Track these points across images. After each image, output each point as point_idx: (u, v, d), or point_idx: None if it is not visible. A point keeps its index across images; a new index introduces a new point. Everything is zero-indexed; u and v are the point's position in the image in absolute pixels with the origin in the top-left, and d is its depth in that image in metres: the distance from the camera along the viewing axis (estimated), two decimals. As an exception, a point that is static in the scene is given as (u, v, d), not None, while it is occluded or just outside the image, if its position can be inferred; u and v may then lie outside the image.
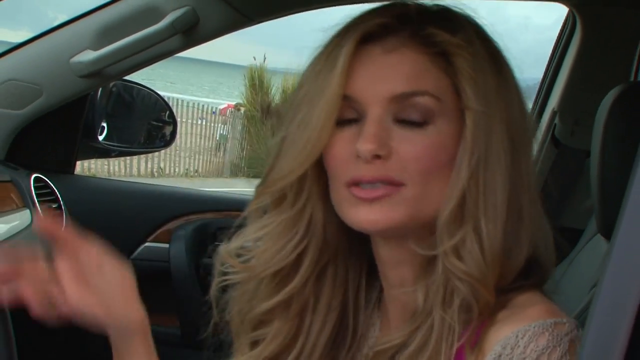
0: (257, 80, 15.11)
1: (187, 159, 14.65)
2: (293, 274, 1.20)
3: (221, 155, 15.49)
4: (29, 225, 2.31)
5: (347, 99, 1.09)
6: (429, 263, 1.11)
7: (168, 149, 13.22)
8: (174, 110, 2.76)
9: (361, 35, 1.10)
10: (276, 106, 14.19)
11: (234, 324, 1.25)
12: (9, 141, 2.51)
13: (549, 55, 2.82)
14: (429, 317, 1.09)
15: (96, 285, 1.23)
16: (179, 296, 2.62)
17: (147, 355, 1.26)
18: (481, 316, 1.06)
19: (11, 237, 2.19)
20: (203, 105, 16.05)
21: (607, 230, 1.62)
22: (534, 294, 1.08)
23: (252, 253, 1.21)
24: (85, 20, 2.40)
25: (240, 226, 1.23)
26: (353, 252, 1.23)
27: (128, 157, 12.42)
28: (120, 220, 2.66)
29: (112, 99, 2.73)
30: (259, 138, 14.62)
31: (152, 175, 13.37)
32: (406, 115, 1.09)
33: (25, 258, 1.25)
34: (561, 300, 1.93)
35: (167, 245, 2.66)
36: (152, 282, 2.58)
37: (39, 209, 2.37)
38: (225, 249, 1.22)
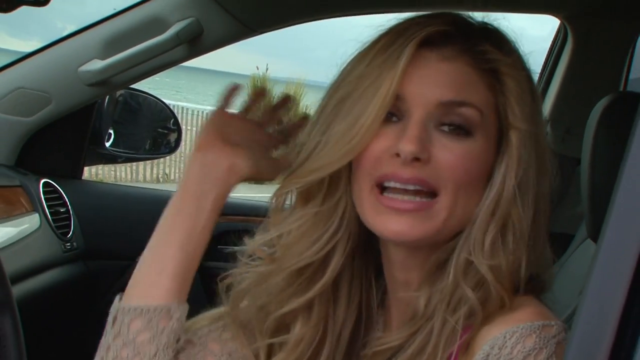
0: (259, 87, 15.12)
1: (192, 165, 14.63)
2: (322, 270, 1.17)
3: (224, 161, 15.48)
4: (38, 229, 2.32)
5: (395, 98, 1.09)
6: (437, 269, 1.11)
7: (173, 156, 13.21)
8: (179, 117, 2.77)
9: (422, 39, 1.09)
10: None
11: (251, 321, 1.23)
12: (19, 147, 2.52)
13: (541, 65, 2.82)
14: (429, 322, 1.08)
15: None
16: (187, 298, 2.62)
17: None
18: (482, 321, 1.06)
19: (21, 240, 2.20)
20: (207, 113, 16.01)
21: (597, 235, 1.61)
22: (526, 297, 1.08)
23: (276, 248, 1.19)
24: (93, 30, 2.41)
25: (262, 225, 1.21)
26: (368, 249, 1.21)
27: (134, 163, 12.41)
28: (126, 224, 2.66)
29: (118, 106, 2.73)
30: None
31: (158, 181, 13.35)
32: (449, 121, 1.08)
33: None
34: (552, 304, 1.93)
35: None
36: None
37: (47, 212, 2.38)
38: (253, 242, 1.20)
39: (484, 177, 1.09)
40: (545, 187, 1.12)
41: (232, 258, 1.25)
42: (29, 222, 2.30)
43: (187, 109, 15.38)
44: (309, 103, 1.33)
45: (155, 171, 13.48)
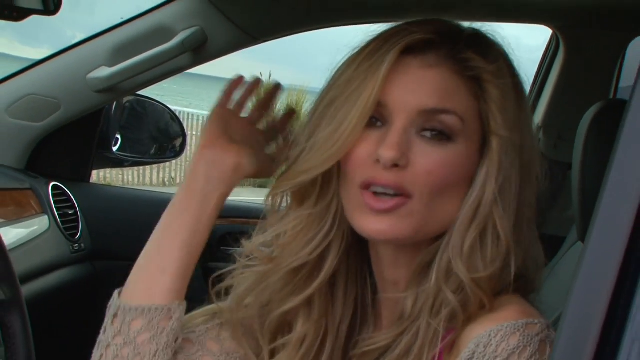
0: (262, 96, 15.11)
1: (197, 169, 14.62)
2: (319, 268, 1.17)
3: (228, 166, 15.48)
4: (48, 230, 2.32)
5: (377, 104, 1.08)
6: (423, 270, 1.11)
7: (179, 160, 13.21)
8: (185, 123, 2.78)
9: (404, 47, 1.09)
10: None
11: (254, 323, 1.23)
12: (29, 151, 2.52)
13: (534, 74, 2.82)
14: (415, 323, 1.08)
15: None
16: (187, 297, 2.62)
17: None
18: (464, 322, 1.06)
19: (31, 241, 2.21)
20: (210, 111, 15.99)
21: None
22: (512, 296, 1.08)
23: (273, 248, 1.19)
24: (101, 38, 2.42)
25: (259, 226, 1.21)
26: (360, 250, 1.21)
27: (141, 167, 12.40)
28: (133, 226, 2.66)
29: (125, 112, 2.74)
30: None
31: (164, 185, 13.34)
32: (431, 127, 1.08)
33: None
34: (542, 305, 1.94)
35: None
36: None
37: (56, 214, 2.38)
38: (250, 243, 1.20)
39: (465, 182, 1.09)
40: (530, 193, 1.12)
41: (234, 259, 1.25)
42: (39, 224, 2.31)
43: (192, 114, 15.39)
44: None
45: (161, 175, 13.47)
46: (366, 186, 1.09)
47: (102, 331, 1.19)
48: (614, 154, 0.81)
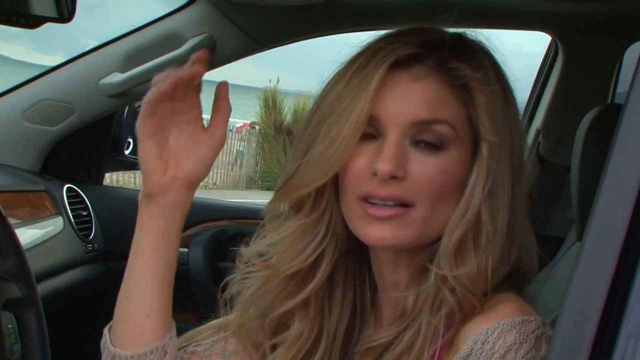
0: (270, 101, 15.11)
1: (207, 172, 14.64)
2: (312, 274, 1.18)
3: (237, 169, 15.48)
4: (62, 231, 2.33)
5: (370, 119, 1.08)
6: (422, 271, 1.11)
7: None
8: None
9: (392, 62, 1.09)
10: (288, 125, 14.17)
11: (253, 326, 1.23)
12: (44, 154, 2.53)
13: (534, 79, 2.82)
14: (417, 320, 1.09)
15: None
16: (197, 296, 2.62)
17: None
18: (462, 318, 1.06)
19: (46, 241, 2.21)
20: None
21: (585, 238, 1.63)
22: (508, 293, 1.08)
23: (271, 254, 1.19)
24: (114, 45, 2.43)
25: (257, 233, 1.21)
26: (359, 252, 1.22)
27: (153, 171, 12.44)
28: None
29: (137, 116, 2.74)
30: (272, 154, 14.61)
31: (174, 187, 13.36)
32: (423, 139, 1.08)
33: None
34: (543, 303, 1.94)
35: (186, 250, 2.66)
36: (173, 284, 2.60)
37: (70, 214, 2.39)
38: (248, 250, 1.20)
39: (460, 187, 1.09)
40: (523, 192, 1.12)
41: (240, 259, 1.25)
42: (54, 225, 2.32)
43: (202, 119, 15.42)
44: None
45: (172, 178, 13.50)
46: (365, 199, 1.09)
47: None
48: (610, 156, 0.81)
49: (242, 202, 3.44)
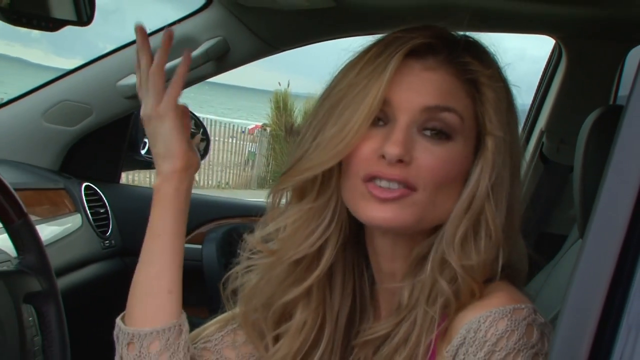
0: (281, 104, 15.12)
1: (219, 172, 14.66)
2: (317, 260, 1.17)
3: (249, 169, 15.49)
4: (80, 227, 2.34)
5: (383, 104, 1.09)
6: (419, 262, 1.12)
7: (202, 164, 13.23)
8: (208, 129, 2.78)
9: (408, 50, 1.10)
10: (298, 127, 14.15)
11: (256, 316, 1.22)
12: (63, 154, 2.55)
13: (538, 81, 2.82)
14: (413, 312, 1.09)
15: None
16: (211, 292, 2.63)
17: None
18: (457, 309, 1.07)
19: (65, 237, 2.23)
20: (234, 125, 16.07)
21: (587, 235, 1.62)
22: (500, 282, 1.09)
23: (276, 240, 1.18)
24: (130, 48, 2.44)
25: (262, 220, 1.21)
26: (357, 243, 1.22)
27: (167, 170, 12.45)
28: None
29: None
30: (283, 155, 14.62)
31: (188, 187, 13.38)
32: (432, 126, 1.09)
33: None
34: (546, 298, 1.94)
35: (200, 247, 2.67)
36: (186, 279, 2.60)
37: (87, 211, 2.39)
38: (253, 237, 1.20)
39: (461, 178, 1.10)
40: (518, 187, 1.13)
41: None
42: (72, 222, 2.33)
43: (216, 121, 15.44)
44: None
45: (186, 177, 13.51)
46: (370, 179, 1.09)
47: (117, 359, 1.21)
48: (611, 156, 0.81)
49: (254, 200, 3.44)
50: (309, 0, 1.98)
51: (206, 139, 2.93)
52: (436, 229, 1.12)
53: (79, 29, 1.63)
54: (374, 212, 1.09)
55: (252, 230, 1.21)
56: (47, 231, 2.10)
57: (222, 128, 15.16)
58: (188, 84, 2.41)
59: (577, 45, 2.61)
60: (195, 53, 2.32)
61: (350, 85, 1.11)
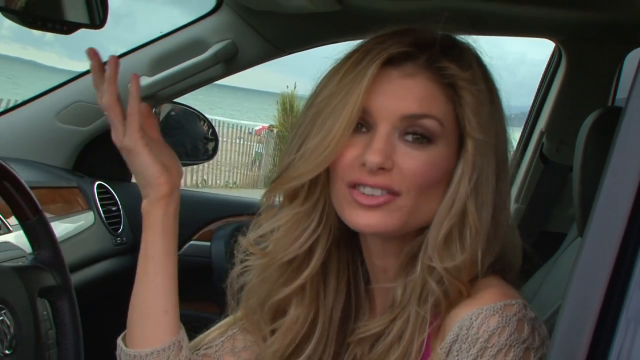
0: (288, 105, 15.12)
1: (227, 172, 14.68)
2: (308, 260, 1.18)
3: (256, 169, 15.51)
4: (93, 225, 2.35)
5: (362, 112, 1.09)
6: (410, 261, 1.12)
7: (211, 164, 13.26)
8: (216, 130, 2.77)
9: (385, 59, 1.09)
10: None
11: (254, 314, 1.23)
12: (76, 153, 2.55)
13: (539, 83, 2.81)
14: (405, 310, 1.09)
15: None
16: (218, 287, 2.62)
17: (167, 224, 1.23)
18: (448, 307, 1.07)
19: (78, 234, 2.23)
20: (241, 127, 16.08)
21: (586, 233, 1.62)
22: (491, 278, 1.09)
23: (268, 242, 1.19)
24: (142, 51, 2.44)
25: (254, 222, 1.21)
26: (350, 240, 1.22)
27: (177, 170, 12.44)
28: (170, 222, 2.68)
29: (163, 118, 2.76)
30: (289, 155, 14.61)
31: (197, 186, 13.40)
32: (412, 131, 1.08)
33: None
34: (546, 293, 1.93)
35: (209, 244, 2.67)
36: (196, 275, 2.61)
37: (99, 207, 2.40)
38: (246, 239, 1.21)
39: (445, 180, 1.09)
40: (505, 187, 1.13)
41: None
42: (85, 219, 2.33)
43: (224, 122, 15.45)
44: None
45: (195, 178, 13.53)
46: (354, 185, 1.09)
47: None
48: (610, 156, 0.81)
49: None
50: (315, 4, 1.98)
51: (215, 139, 2.93)
52: (425, 228, 1.11)
53: (92, 33, 1.63)
54: (359, 218, 1.09)
55: (244, 233, 1.22)
56: (60, 228, 2.11)
57: (230, 129, 15.17)
58: (197, 85, 2.43)
59: (577, 48, 2.60)
60: (204, 55, 2.32)
61: (331, 95, 1.10)
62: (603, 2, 2.04)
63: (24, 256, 1.65)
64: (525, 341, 1.01)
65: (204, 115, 2.91)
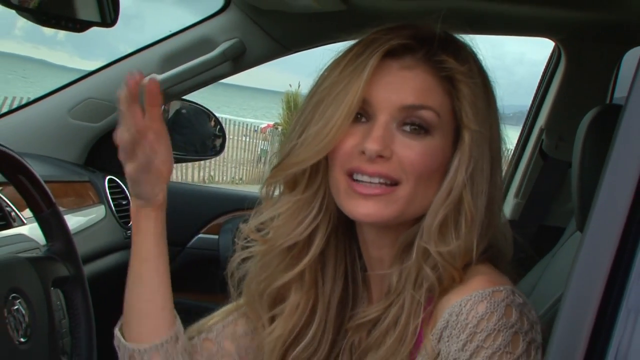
0: (292, 104, 15.12)
1: (233, 169, 14.68)
2: (307, 247, 1.18)
3: (261, 166, 15.51)
4: (104, 218, 2.35)
5: (362, 102, 1.10)
6: (405, 249, 1.12)
7: (217, 160, 13.27)
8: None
9: (386, 51, 1.10)
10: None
11: (254, 300, 1.23)
12: (88, 148, 2.55)
13: (538, 82, 2.81)
14: (401, 296, 1.09)
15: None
16: (226, 279, 2.64)
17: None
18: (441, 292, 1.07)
19: (89, 227, 2.24)
20: (247, 124, 16.09)
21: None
22: (482, 266, 1.09)
23: (269, 229, 1.19)
24: (152, 49, 2.44)
25: (255, 210, 1.21)
26: (348, 229, 1.22)
27: (184, 166, 12.47)
28: (178, 216, 2.67)
29: (172, 114, 2.76)
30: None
31: (204, 182, 13.41)
32: (410, 122, 1.09)
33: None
34: (545, 285, 1.93)
35: (216, 237, 2.67)
36: (204, 267, 2.61)
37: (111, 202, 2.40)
38: (247, 226, 1.21)
39: (442, 170, 1.10)
40: (499, 177, 1.14)
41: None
42: (96, 213, 2.34)
43: (230, 120, 15.46)
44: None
45: (202, 174, 13.54)
46: (352, 173, 1.10)
47: None
48: (610, 153, 0.81)
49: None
50: (321, 3, 1.98)
51: (222, 135, 2.93)
52: (420, 218, 1.12)
53: (102, 33, 1.64)
54: (357, 207, 1.10)
55: (246, 220, 1.22)
56: (72, 221, 2.11)
57: (236, 127, 15.17)
58: (206, 82, 2.43)
59: (576, 47, 2.60)
60: (212, 54, 2.33)
61: (333, 84, 1.11)
62: (602, 2, 2.04)
63: (38, 248, 1.65)
64: (513, 326, 1.01)
65: (212, 113, 2.91)
